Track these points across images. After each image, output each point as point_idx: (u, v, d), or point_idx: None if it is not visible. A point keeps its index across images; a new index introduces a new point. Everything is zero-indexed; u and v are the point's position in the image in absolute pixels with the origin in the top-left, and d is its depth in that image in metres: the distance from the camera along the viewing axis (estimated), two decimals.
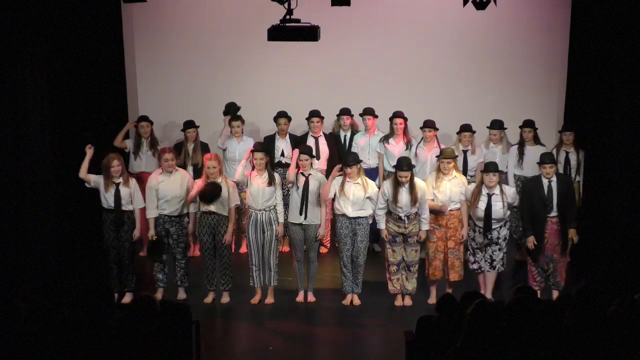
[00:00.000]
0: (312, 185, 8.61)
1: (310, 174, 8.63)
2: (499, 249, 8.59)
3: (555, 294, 8.50)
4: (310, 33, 8.12)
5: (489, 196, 8.43)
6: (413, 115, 10.17)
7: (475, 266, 8.72)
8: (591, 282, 5.45)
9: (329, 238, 10.00)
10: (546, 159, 8.52)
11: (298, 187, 8.62)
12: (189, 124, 10.13)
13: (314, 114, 10.14)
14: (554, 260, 8.53)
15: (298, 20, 8.16)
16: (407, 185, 8.40)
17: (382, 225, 8.59)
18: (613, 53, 8.77)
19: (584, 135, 9.73)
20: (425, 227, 8.54)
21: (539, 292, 8.29)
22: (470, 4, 8.88)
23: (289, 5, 8.19)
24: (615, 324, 5.05)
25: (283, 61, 11.16)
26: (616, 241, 8.76)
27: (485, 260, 8.64)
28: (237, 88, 11.23)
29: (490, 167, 8.50)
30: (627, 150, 8.63)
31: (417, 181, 8.49)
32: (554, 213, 8.47)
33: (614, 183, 8.81)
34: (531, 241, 8.47)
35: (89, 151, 8.73)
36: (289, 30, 8.11)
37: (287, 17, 8.16)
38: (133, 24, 11.15)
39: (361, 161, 8.82)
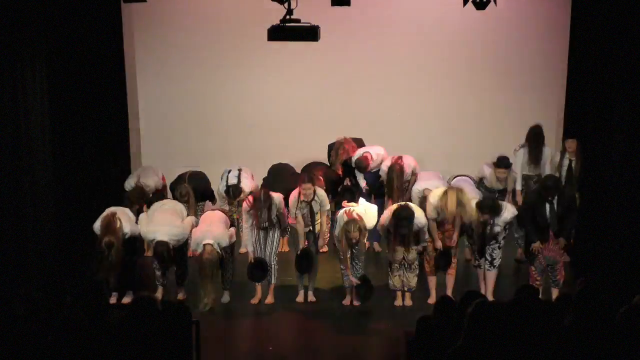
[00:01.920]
0: (316, 209, 8.76)
1: (311, 200, 8.74)
2: (499, 247, 8.60)
3: (554, 292, 8.50)
4: (310, 33, 8.12)
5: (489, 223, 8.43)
6: (413, 114, 10.18)
7: (474, 262, 8.79)
8: (591, 282, 5.45)
9: (328, 237, 10.00)
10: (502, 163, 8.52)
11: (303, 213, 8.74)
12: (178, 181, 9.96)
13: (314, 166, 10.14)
14: (550, 259, 8.53)
15: (298, 20, 8.17)
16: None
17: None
18: (613, 53, 8.77)
19: (584, 136, 9.73)
20: (422, 244, 8.61)
21: (540, 290, 8.29)
22: (470, 4, 8.88)
23: (289, 5, 8.19)
24: (616, 325, 5.05)
25: (283, 61, 11.17)
26: (616, 241, 8.76)
27: (485, 259, 8.64)
28: (236, 87, 11.25)
29: (502, 163, 8.54)
30: (627, 151, 8.63)
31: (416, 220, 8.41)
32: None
33: (613, 183, 8.81)
34: (536, 247, 8.43)
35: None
36: (289, 30, 8.11)
37: (287, 17, 8.16)
38: (133, 24, 11.16)
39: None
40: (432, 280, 8.79)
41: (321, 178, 9.63)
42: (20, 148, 8.70)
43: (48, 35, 8.94)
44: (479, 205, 8.39)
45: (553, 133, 10.82)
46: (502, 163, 8.98)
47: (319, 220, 8.89)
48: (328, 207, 8.89)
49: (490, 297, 8.49)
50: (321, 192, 8.85)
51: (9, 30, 8.47)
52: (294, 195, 8.81)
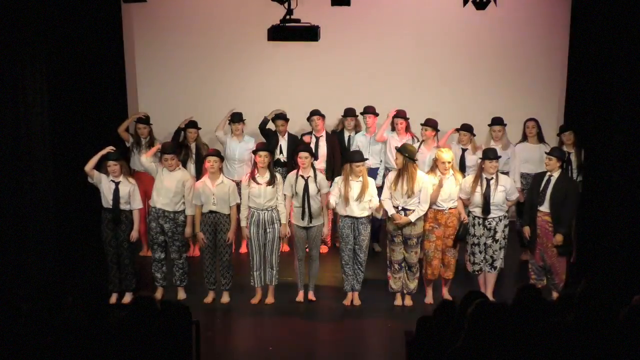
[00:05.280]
0: (312, 190, 8.59)
1: (309, 176, 8.61)
2: (500, 248, 8.60)
3: (554, 295, 8.49)
4: (310, 33, 8.12)
5: (487, 181, 8.47)
6: (413, 114, 10.16)
7: (476, 267, 8.70)
8: (592, 282, 5.44)
9: (330, 237, 9.99)
10: (489, 154, 8.52)
11: (297, 193, 8.60)
12: (191, 124, 10.12)
13: (315, 112, 10.13)
14: (545, 260, 8.53)
15: (298, 20, 8.17)
16: (405, 176, 8.39)
17: (389, 210, 8.47)
18: (613, 53, 8.76)
19: (584, 135, 9.73)
20: (413, 217, 8.43)
21: (541, 290, 8.27)
22: (470, 4, 8.89)
23: (289, 5, 8.20)
24: (617, 325, 5.04)
25: (283, 61, 11.16)
26: (616, 241, 8.75)
27: (486, 261, 8.64)
28: (237, 88, 11.25)
29: (490, 154, 8.53)
30: (627, 150, 8.62)
31: (420, 174, 8.49)
32: (544, 208, 8.48)
33: (614, 183, 8.80)
34: (526, 232, 8.62)
35: (106, 150, 8.68)
36: (289, 30, 8.11)
37: (287, 17, 8.16)
38: (133, 24, 11.16)
39: (367, 159, 8.82)
40: (430, 283, 8.80)
41: None
42: (20, 148, 8.71)
43: (48, 35, 8.94)
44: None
45: (553, 132, 10.81)
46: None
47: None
48: (327, 189, 8.67)
49: (490, 298, 8.49)
50: (320, 174, 8.79)
51: (9, 30, 8.48)
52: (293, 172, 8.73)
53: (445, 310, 5.79)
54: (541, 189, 8.50)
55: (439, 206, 8.57)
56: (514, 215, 9.79)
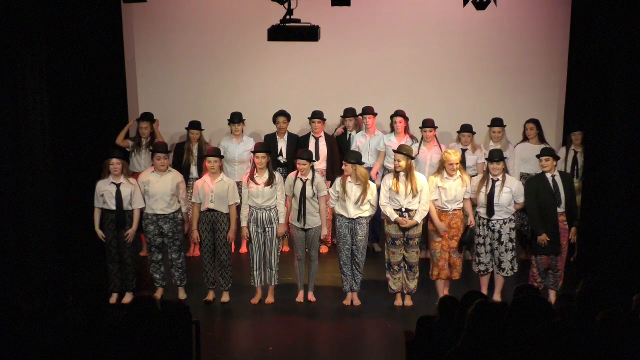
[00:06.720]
0: (308, 192, 8.60)
1: (307, 179, 8.61)
2: (506, 250, 8.56)
3: (552, 294, 8.49)
4: (310, 33, 8.11)
5: (493, 182, 8.46)
6: (413, 115, 10.17)
7: (481, 267, 8.67)
8: (591, 282, 5.45)
9: (329, 237, 9.99)
10: (494, 156, 8.50)
11: (294, 195, 8.61)
12: (194, 125, 10.08)
13: (316, 115, 10.13)
14: (557, 260, 8.52)
15: (298, 20, 8.16)
16: (407, 176, 8.39)
17: (391, 215, 8.46)
18: (613, 53, 8.76)
19: (583, 135, 9.74)
20: (418, 218, 8.45)
21: (540, 290, 8.27)
22: (470, 4, 8.88)
23: (289, 5, 8.19)
24: (615, 325, 5.04)
25: (283, 61, 11.16)
26: (616, 241, 8.76)
27: (494, 263, 8.62)
28: (237, 88, 11.24)
29: (494, 155, 8.52)
30: (627, 150, 8.63)
31: (418, 175, 8.49)
32: (561, 209, 8.47)
33: (613, 183, 8.81)
34: (544, 239, 8.42)
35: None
36: (289, 30, 8.11)
37: (287, 17, 8.16)
38: (133, 24, 11.15)
39: (363, 163, 8.80)
40: (439, 284, 8.72)
41: None
42: (20, 148, 8.71)
43: (48, 35, 8.95)
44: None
45: (553, 131, 10.83)
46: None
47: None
48: (325, 192, 8.68)
49: (498, 299, 8.49)
50: (319, 176, 8.81)
51: (9, 30, 8.48)
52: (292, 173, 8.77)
53: (449, 305, 5.80)
54: (553, 191, 8.45)
55: (443, 207, 8.57)
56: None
